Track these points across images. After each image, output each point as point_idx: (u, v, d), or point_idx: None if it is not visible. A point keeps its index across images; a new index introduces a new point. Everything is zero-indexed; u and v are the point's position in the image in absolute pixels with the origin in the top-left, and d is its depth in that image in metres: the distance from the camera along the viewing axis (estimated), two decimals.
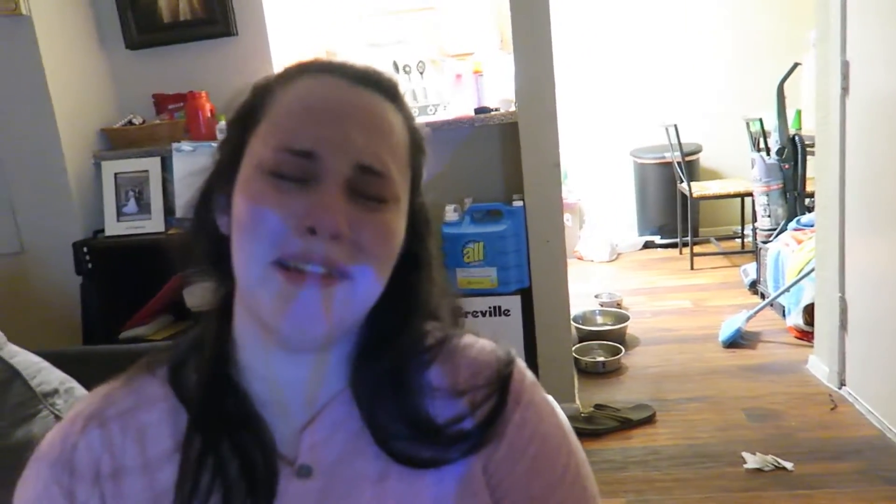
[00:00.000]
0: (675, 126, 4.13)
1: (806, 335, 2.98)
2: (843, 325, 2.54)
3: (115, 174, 2.50)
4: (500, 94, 2.61)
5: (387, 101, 0.57)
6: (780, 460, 2.16)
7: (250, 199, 0.52)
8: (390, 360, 0.58)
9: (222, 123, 2.44)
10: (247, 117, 0.57)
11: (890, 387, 2.28)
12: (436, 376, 0.60)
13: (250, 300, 0.53)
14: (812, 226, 2.97)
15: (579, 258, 4.75)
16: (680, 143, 4.14)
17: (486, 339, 0.65)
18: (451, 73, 2.77)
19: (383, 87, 0.57)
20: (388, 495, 0.56)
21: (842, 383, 2.57)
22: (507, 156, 2.50)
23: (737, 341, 3.09)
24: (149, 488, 0.56)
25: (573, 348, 2.88)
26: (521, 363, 0.63)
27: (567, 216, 4.55)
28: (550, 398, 0.64)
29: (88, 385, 0.63)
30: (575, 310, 3.20)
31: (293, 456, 0.56)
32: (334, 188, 0.52)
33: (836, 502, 1.97)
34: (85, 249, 2.38)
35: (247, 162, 0.55)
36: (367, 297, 0.54)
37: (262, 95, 0.57)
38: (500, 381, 0.60)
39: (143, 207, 2.48)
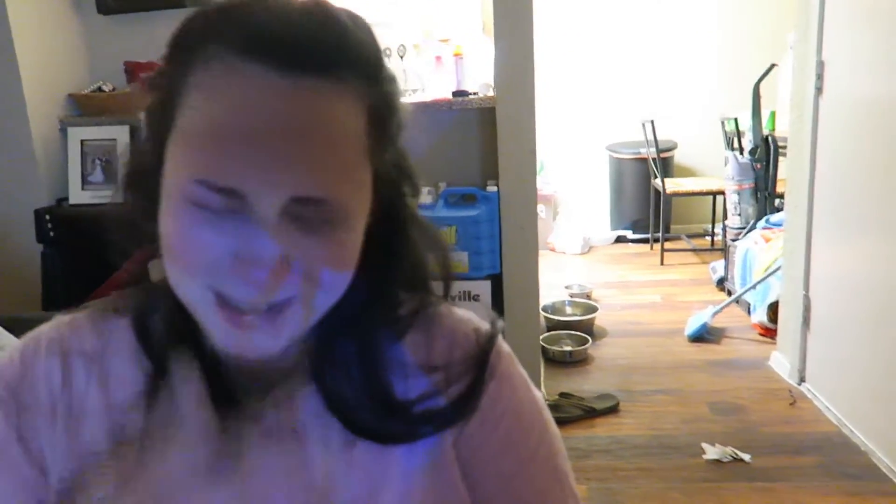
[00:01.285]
0: (652, 122, 4.16)
1: (770, 332, 3.03)
2: (806, 323, 2.58)
3: (82, 141, 2.43)
4: (480, 78, 2.59)
5: (331, 86, 0.45)
6: (738, 452, 2.20)
7: (172, 230, 0.46)
8: (358, 333, 0.54)
9: None
10: (165, 97, 0.48)
11: (848, 384, 2.33)
12: (409, 348, 0.56)
13: (191, 311, 0.49)
14: (781, 225, 3.02)
15: (552, 249, 4.77)
16: (656, 140, 4.17)
17: (463, 309, 0.61)
18: (431, 56, 2.75)
19: (327, 64, 0.45)
20: (356, 464, 0.53)
21: (802, 379, 2.62)
22: (484, 141, 2.49)
23: (703, 336, 3.13)
24: (109, 433, 0.54)
25: (541, 337, 2.89)
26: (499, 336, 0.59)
27: (541, 207, 4.56)
28: (524, 372, 0.61)
29: None
30: (545, 300, 3.22)
31: (256, 418, 0.54)
32: (265, 222, 0.44)
33: (795, 495, 2.00)
34: (48, 217, 2.32)
35: (168, 170, 0.47)
36: (325, 307, 0.50)
37: (179, 69, 0.47)
38: (479, 358, 0.56)
39: (110, 177, 2.42)
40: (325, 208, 0.46)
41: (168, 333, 0.54)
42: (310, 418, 0.54)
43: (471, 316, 0.60)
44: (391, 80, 0.51)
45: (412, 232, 0.56)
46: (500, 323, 0.59)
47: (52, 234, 2.32)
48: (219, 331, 0.48)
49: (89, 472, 0.53)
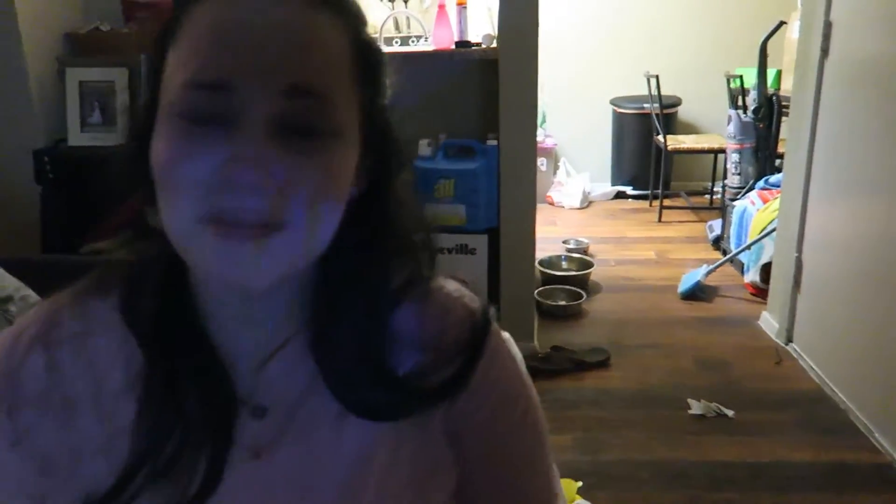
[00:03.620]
0: (657, 77, 4.11)
1: (761, 292, 3.07)
2: (797, 284, 2.62)
3: (80, 82, 2.41)
4: (483, 29, 2.55)
5: (319, 13, 0.47)
6: (722, 408, 2.26)
7: (164, 151, 0.46)
8: (351, 300, 0.54)
9: None
10: (163, 38, 0.49)
11: (832, 345, 2.38)
12: (400, 322, 0.56)
13: (184, 255, 0.48)
14: (779, 186, 3.02)
15: (551, 203, 4.77)
16: (660, 95, 4.13)
17: (454, 283, 0.61)
18: (434, 4, 2.70)
19: None
20: (347, 434, 0.54)
21: (789, 339, 2.68)
22: (485, 93, 2.47)
23: (695, 294, 3.17)
24: (102, 426, 0.53)
25: (536, 291, 2.93)
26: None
27: (542, 160, 4.55)
28: (506, 335, 0.62)
29: (45, 293, 0.60)
30: (542, 254, 3.25)
31: (248, 396, 0.54)
32: (255, 128, 0.44)
33: (773, 448, 2.08)
34: (46, 158, 2.32)
35: (162, 99, 0.47)
36: (314, 244, 0.49)
37: (178, 14, 0.48)
38: (473, 343, 0.57)
39: (109, 119, 2.41)
40: (319, 107, 0.46)
41: (157, 313, 0.53)
42: (299, 395, 0.55)
43: (462, 291, 0.60)
44: (373, 37, 0.53)
45: (397, 205, 0.55)
46: (492, 310, 0.60)
47: (50, 175, 2.32)
48: (211, 253, 0.45)
49: (90, 464, 0.52)
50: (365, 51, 0.51)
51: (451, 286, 0.60)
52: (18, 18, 2.26)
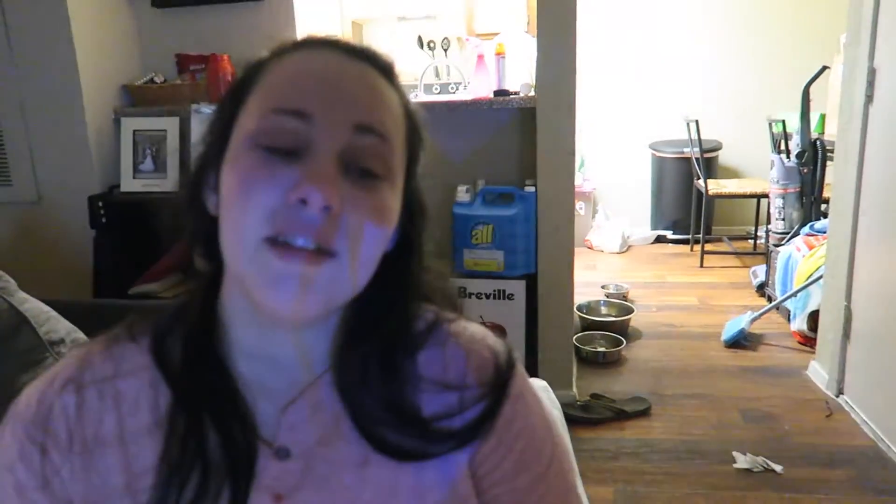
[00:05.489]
0: (697, 121, 4.09)
1: (809, 341, 2.98)
2: (847, 334, 2.53)
3: (134, 131, 2.52)
4: (521, 77, 2.59)
5: (383, 77, 0.55)
6: (770, 462, 2.18)
7: (239, 174, 0.50)
8: (376, 344, 0.56)
9: None
10: (237, 91, 0.55)
11: (887, 399, 2.28)
12: (424, 364, 0.58)
13: (240, 278, 0.51)
14: (825, 232, 2.95)
15: (590, 247, 4.74)
16: (700, 139, 4.11)
17: (476, 325, 0.63)
18: (474, 53, 2.76)
19: (380, 64, 0.55)
20: (368, 481, 0.55)
21: (840, 391, 2.58)
22: (523, 140, 2.50)
23: (739, 342, 3.09)
24: (124, 464, 0.54)
25: (575, 337, 2.89)
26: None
27: (580, 204, 4.55)
28: (543, 383, 0.64)
29: (95, 337, 0.62)
30: (581, 298, 3.22)
31: (273, 437, 0.55)
32: (327, 157, 0.49)
33: None
34: (100, 203, 2.42)
35: (236, 136, 0.52)
36: (357, 278, 0.51)
37: (255, 71, 0.55)
38: (498, 384, 0.58)
39: (160, 166, 2.51)
40: (382, 148, 0.52)
41: (186, 354, 0.56)
42: (323, 438, 0.55)
43: (485, 333, 0.62)
44: (421, 134, 0.59)
45: (422, 258, 0.59)
46: (516, 353, 0.61)
47: (104, 220, 2.41)
48: (267, 274, 0.48)
49: None
50: (413, 119, 0.57)
51: (475, 329, 0.62)
52: (79, 72, 2.40)
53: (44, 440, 0.54)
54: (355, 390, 0.56)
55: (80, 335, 1.21)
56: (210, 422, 0.54)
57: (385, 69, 0.55)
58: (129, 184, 2.50)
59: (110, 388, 0.56)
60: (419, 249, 0.59)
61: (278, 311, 0.50)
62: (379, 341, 0.57)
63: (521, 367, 0.61)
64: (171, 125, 2.51)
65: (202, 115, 2.41)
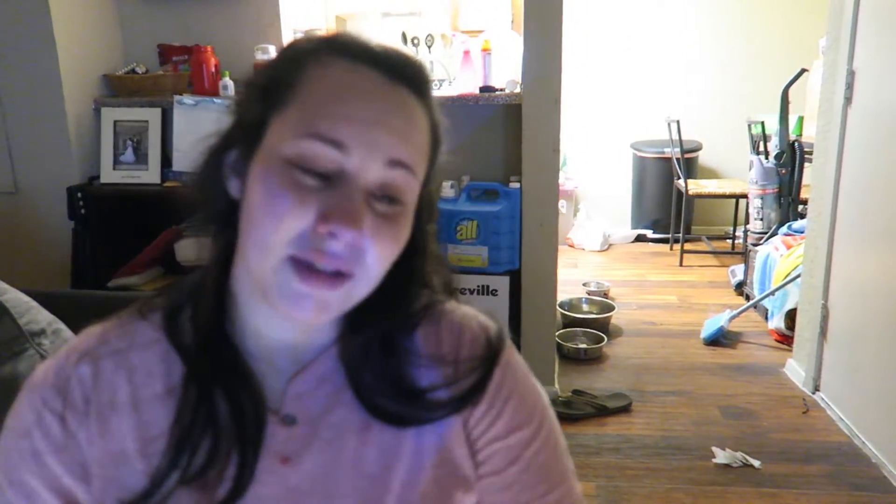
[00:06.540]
0: (678, 122, 4.13)
1: (786, 339, 3.02)
2: (823, 332, 2.57)
3: (115, 122, 2.49)
4: (507, 74, 2.60)
5: (417, 99, 0.56)
6: (748, 458, 2.21)
7: (270, 190, 0.51)
8: (378, 328, 0.60)
9: (226, 80, 2.42)
10: (274, 89, 0.55)
11: (862, 395, 2.32)
12: (420, 340, 0.63)
13: (259, 281, 0.54)
14: (803, 232, 3.00)
15: (571, 245, 4.77)
16: (681, 140, 4.15)
17: (468, 307, 0.67)
18: (459, 49, 2.76)
19: (417, 84, 0.56)
20: (371, 443, 0.59)
21: (816, 388, 2.62)
22: (508, 137, 2.50)
23: (718, 340, 3.13)
24: (138, 430, 0.57)
25: (557, 333, 2.91)
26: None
27: (562, 202, 4.57)
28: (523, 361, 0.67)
29: (76, 328, 0.64)
30: (562, 296, 3.23)
31: (279, 406, 0.59)
32: (358, 192, 0.51)
33: (800, 502, 2.02)
34: (79, 195, 2.38)
35: (269, 143, 0.53)
36: (367, 291, 0.55)
37: (292, 69, 0.55)
38: (489, 357, 0.63)
39: (141, 158, 2.47)
40: (408, 180, 0.54)
41: (196, 330, 0.59)
42: (327, 406, 0.59)
43: (475, 311, 0.67)
44: (441, 142, 0.61)
45: (424, 250, 0.62)
46: (507, 331, 0.66)
47: (83, 211, 2.38)
48: (288, 292, 0.51)
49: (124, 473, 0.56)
50: (436, 130, 0.59)
51: (467, 308, 0.67)
52: (59, 61, 2.35)
53: (62, 408, 0.57)
54: (357, 366, 0.60)
55: (62, 326, 1.19)
56: (220, 391, 0.57)
57: (421, 88, 0.57)
58: (108, 175, 2.47)
59: (124, 360, 0.59)
60: (427, 249, 0.62)
61: (292, 319, 0.54)
62: (382, 322, 0.60)
63: (510, 341, 0.66)
64: (152, 116, 2.48)
65: (185, 106, 2.38)
